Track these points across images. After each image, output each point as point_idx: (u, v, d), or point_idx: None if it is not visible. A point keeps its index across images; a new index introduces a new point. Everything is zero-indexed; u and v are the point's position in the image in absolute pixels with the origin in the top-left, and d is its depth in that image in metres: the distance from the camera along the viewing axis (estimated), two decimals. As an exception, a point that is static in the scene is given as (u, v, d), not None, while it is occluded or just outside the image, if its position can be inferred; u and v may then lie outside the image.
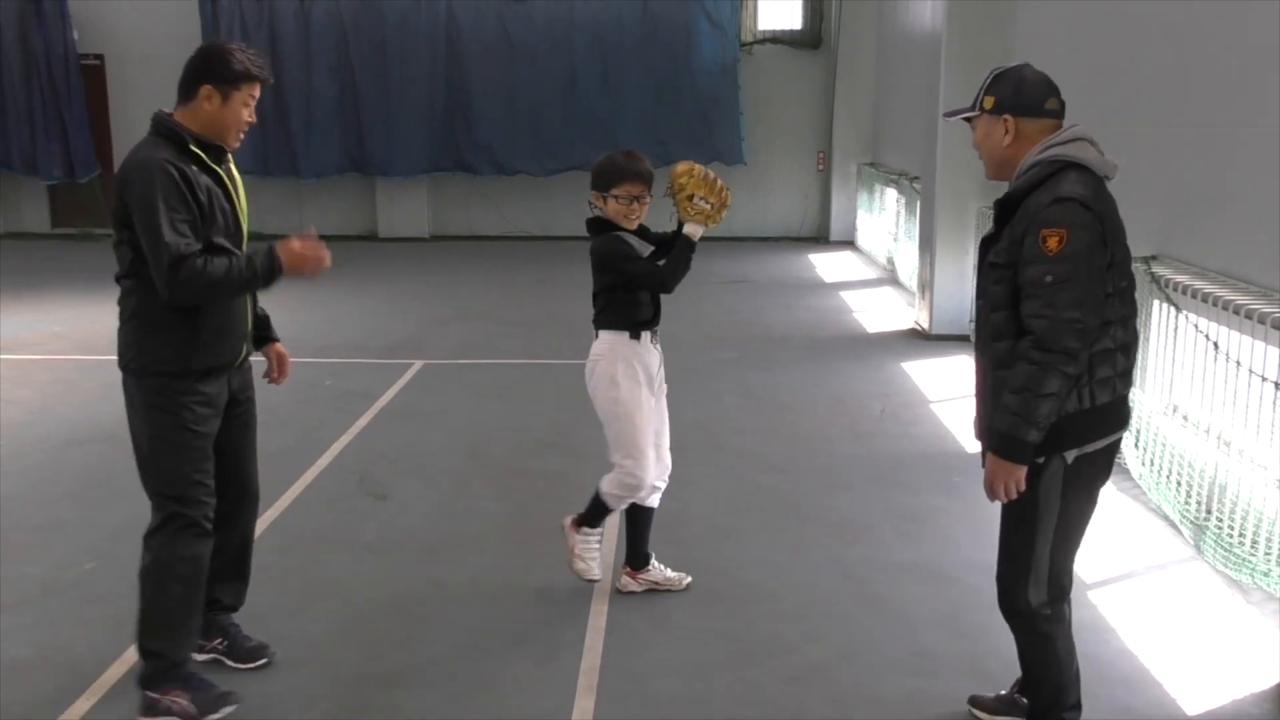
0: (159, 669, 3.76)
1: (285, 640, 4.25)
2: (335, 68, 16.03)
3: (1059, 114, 3.32)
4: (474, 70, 16.02)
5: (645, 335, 4.48)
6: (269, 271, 3.71)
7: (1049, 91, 3.32)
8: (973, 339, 3.56)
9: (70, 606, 4.61)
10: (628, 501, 4.56)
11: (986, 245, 3.39)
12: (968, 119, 3.43)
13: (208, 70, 3.72)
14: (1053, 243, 3.08)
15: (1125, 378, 3.30)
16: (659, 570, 4.76)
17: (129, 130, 14.30)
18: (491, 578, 4.92)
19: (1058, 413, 3.15)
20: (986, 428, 3.34)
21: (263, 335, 4.18)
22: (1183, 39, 6.14)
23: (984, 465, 3.36)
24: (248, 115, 3.79)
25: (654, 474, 4.54)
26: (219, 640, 4.11)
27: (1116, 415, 3.31)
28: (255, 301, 4.03)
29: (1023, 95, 3.29)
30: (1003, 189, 3.38)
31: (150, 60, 14.95)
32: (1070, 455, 3.25)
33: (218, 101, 3.71)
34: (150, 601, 3.76)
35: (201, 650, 4.04)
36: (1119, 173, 3.30)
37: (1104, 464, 3.36)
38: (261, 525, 5.38)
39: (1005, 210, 3.28)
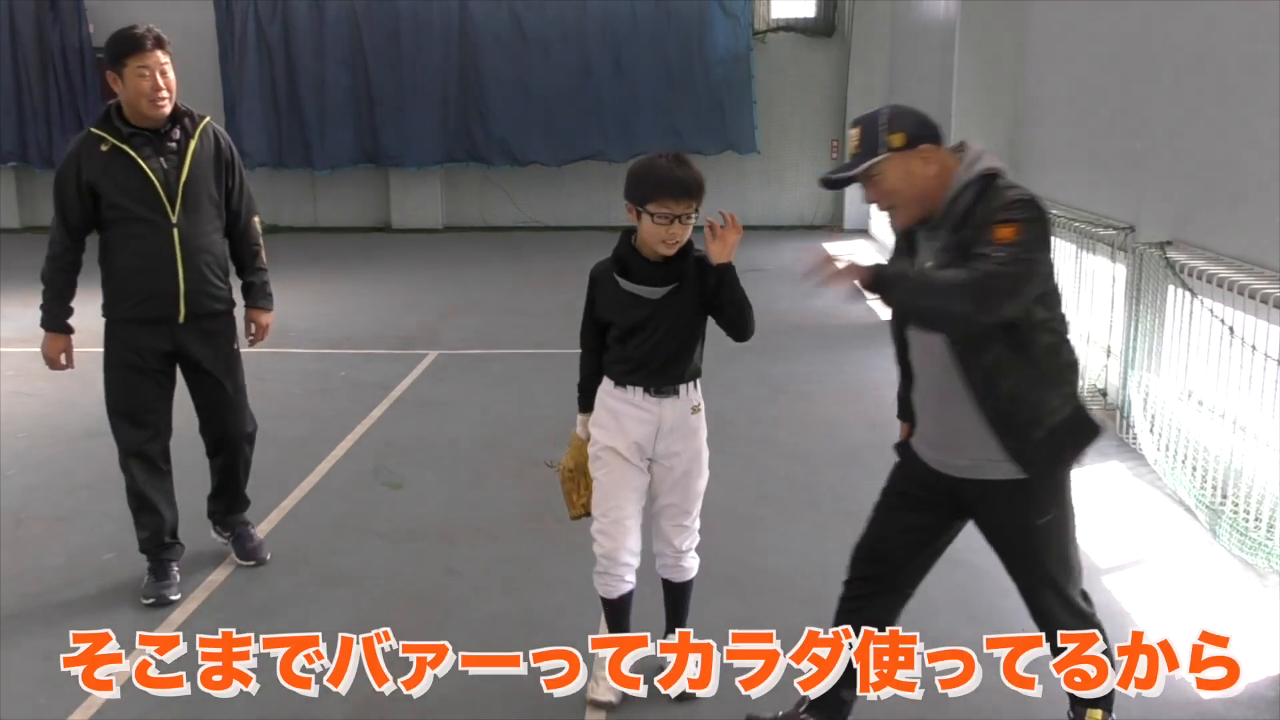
0: (143, 547, 4.68)
1: (301, 627, 4.26)
2: (349, 60, 16.05)
3: None
4: (487, 61, 16.03)
5: (631, 388, 3.82)
6: (45, 318, 4.56)
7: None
8: None
9: (90, 596, 4.66)
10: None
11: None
12: (867, 171, 3.14)
13: (106, 61, 4.35)
14: (1005, 232, 2.95)
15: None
16: None
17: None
18: (507, 567, 4.94)
19: (918, 314, 3.11)
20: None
21: (249, 303, 4.79)
22: (1200, 23, 6.11)
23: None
24: (148, 85, 4.22)
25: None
26: (227, 535, 4.93)
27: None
28: (190, 269, 4.43)
29: (927, 125, 3.16)
30: None
31: (164, 54, 15.05)
32: None
33: (120, 83, 4.27)
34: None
35: (220, 536, 4.97)
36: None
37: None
38: (277, 514, 5.45)
39: (957, 233, 3.10)
